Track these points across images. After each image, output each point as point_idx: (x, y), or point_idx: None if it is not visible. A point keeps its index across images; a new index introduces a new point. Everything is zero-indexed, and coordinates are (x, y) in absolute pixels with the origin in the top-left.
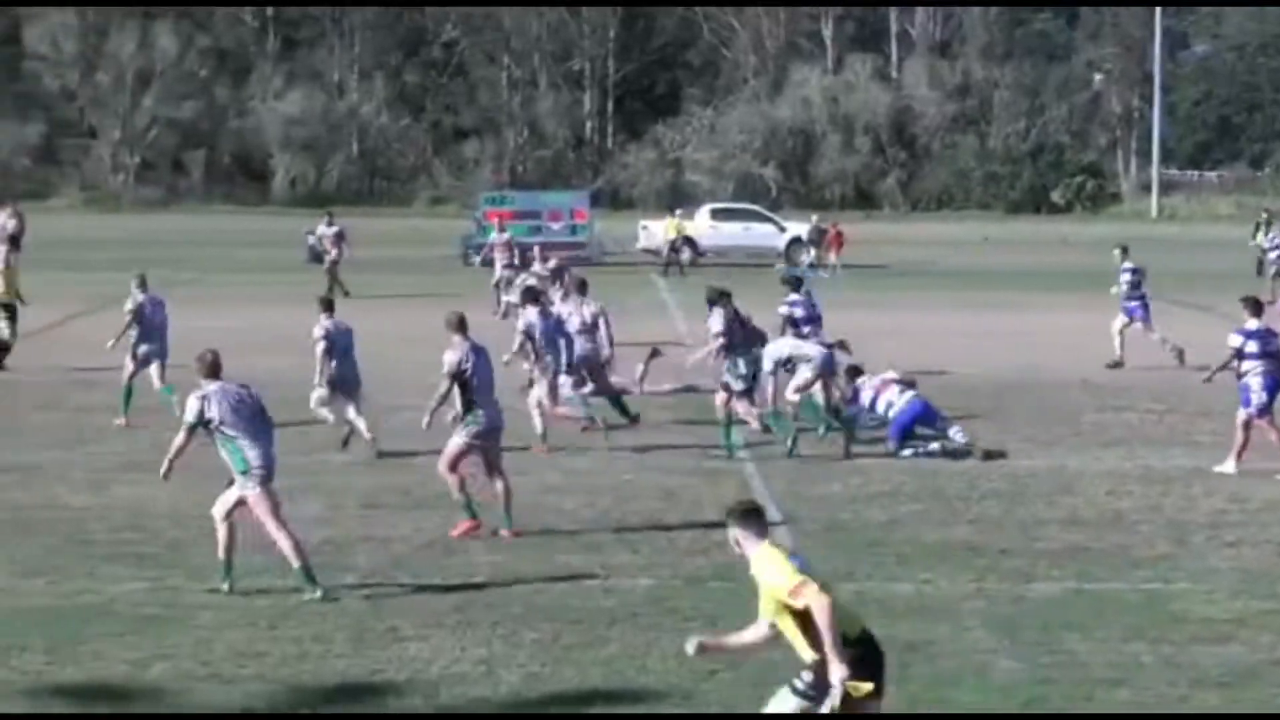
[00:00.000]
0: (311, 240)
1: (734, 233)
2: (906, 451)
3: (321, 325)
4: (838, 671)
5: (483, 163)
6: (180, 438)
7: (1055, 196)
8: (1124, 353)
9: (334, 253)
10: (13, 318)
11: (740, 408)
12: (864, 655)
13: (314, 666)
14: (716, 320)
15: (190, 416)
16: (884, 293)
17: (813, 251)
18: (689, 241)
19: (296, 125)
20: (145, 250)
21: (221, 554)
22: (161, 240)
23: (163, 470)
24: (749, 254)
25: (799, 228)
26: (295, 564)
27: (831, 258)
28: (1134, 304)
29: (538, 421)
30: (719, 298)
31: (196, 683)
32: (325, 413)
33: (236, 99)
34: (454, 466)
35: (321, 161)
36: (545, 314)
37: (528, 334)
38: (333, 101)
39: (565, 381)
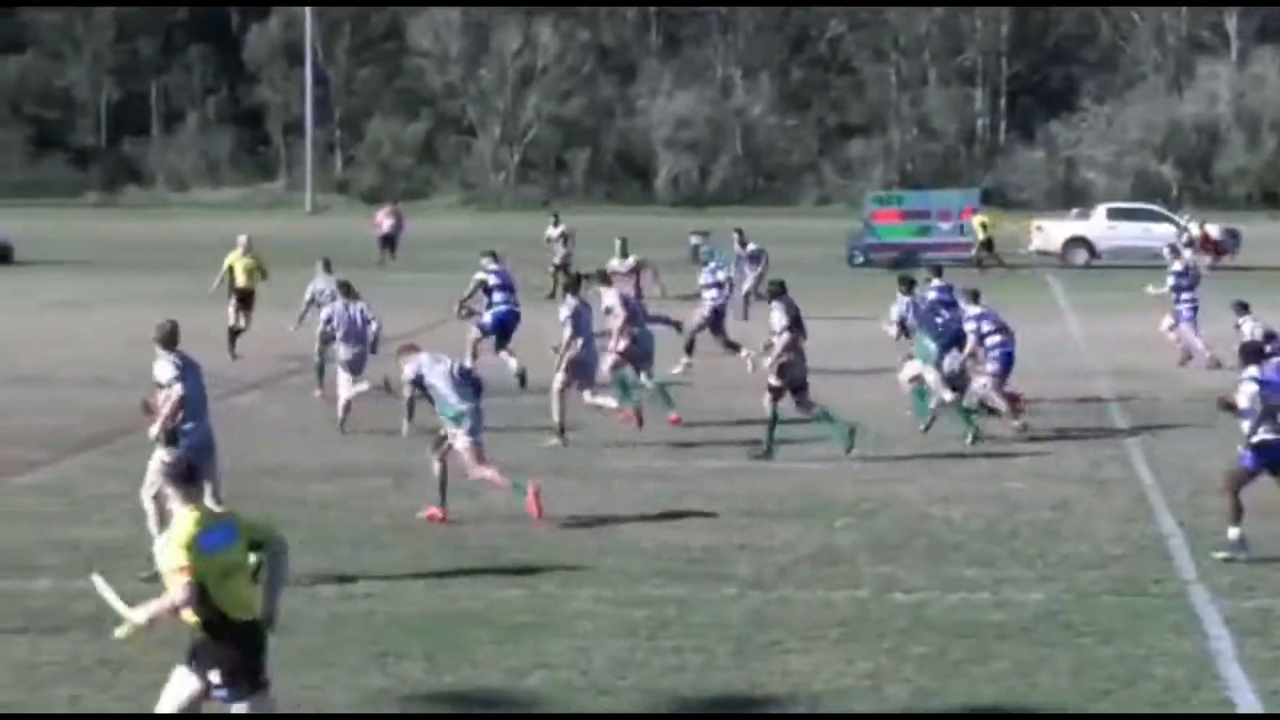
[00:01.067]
0: (696, 240)
1: (1133, 234)
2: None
3: (569, 305)
4: (140, 614)
5: (869, 161)
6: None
7: None
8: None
9: (562, 253)
10: (248, 306)
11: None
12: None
13: (694, 678)
14: (779, 316)
15: (169, 378)
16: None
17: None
18: (1083, 243)
19: (683, 126)
20: (523, 250)
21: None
22: (538, 241)
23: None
24: (1148, 256)
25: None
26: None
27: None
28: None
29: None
30: (781, 291)
31: (575, 693)
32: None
33: (622, 97)
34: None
35: (705, 161)
36: (587, 304)
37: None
38: (718, 100)
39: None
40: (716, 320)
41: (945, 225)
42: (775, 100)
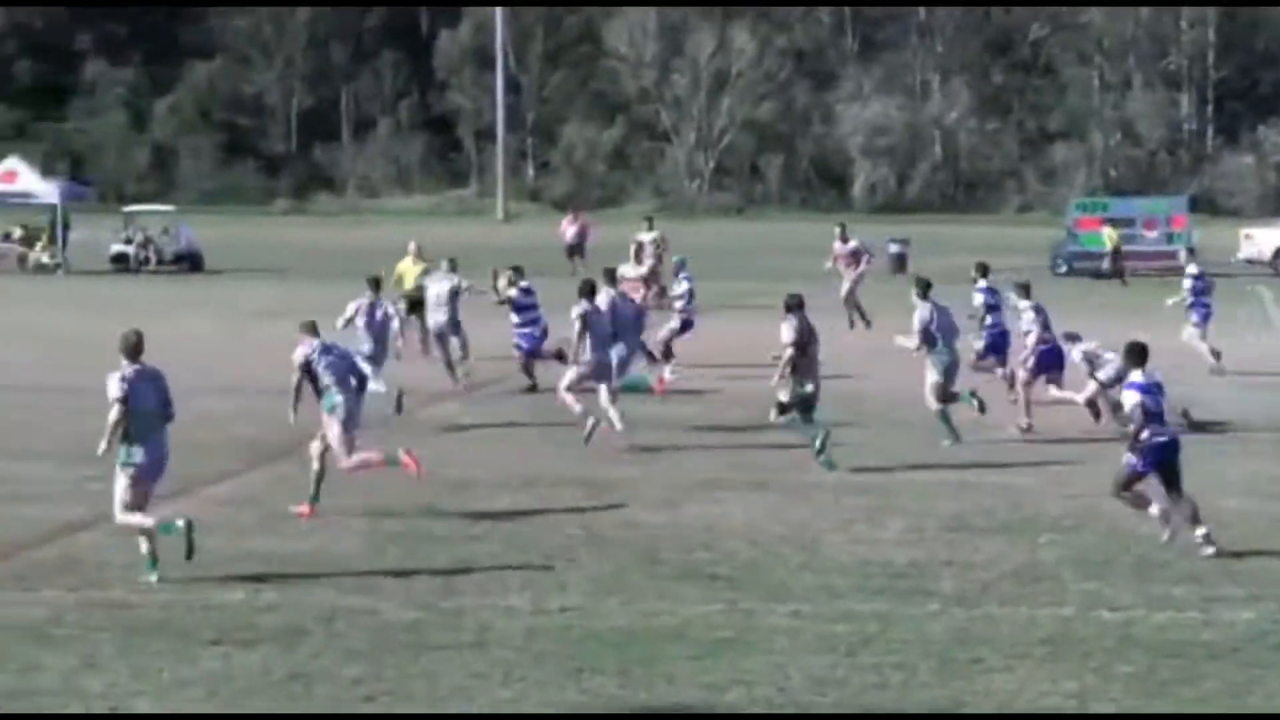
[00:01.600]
0: (895, 248)
1: None
2: None
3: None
4: None
5: (1071, 167)
6: (114, 414)
7: None
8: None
9: (650, 261)
10: (418, 313)
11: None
12: None
13: (896, 696)
14: (787, 330)
15: (113, 396)
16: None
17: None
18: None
19: (880, 132)
20: (720, 260)
21: (144, 548)
22: (733, 249)
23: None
24: None
25: None
26: (144, 549)
27: None
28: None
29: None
30: (796, 305)
31: (773, 710)
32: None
33: (817, 102)
34: None
35: (903, 167)
36: (599, 309)
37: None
38: (916, 105)
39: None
40: (683, 330)
41: (1151, 234)
42: (974, 105)
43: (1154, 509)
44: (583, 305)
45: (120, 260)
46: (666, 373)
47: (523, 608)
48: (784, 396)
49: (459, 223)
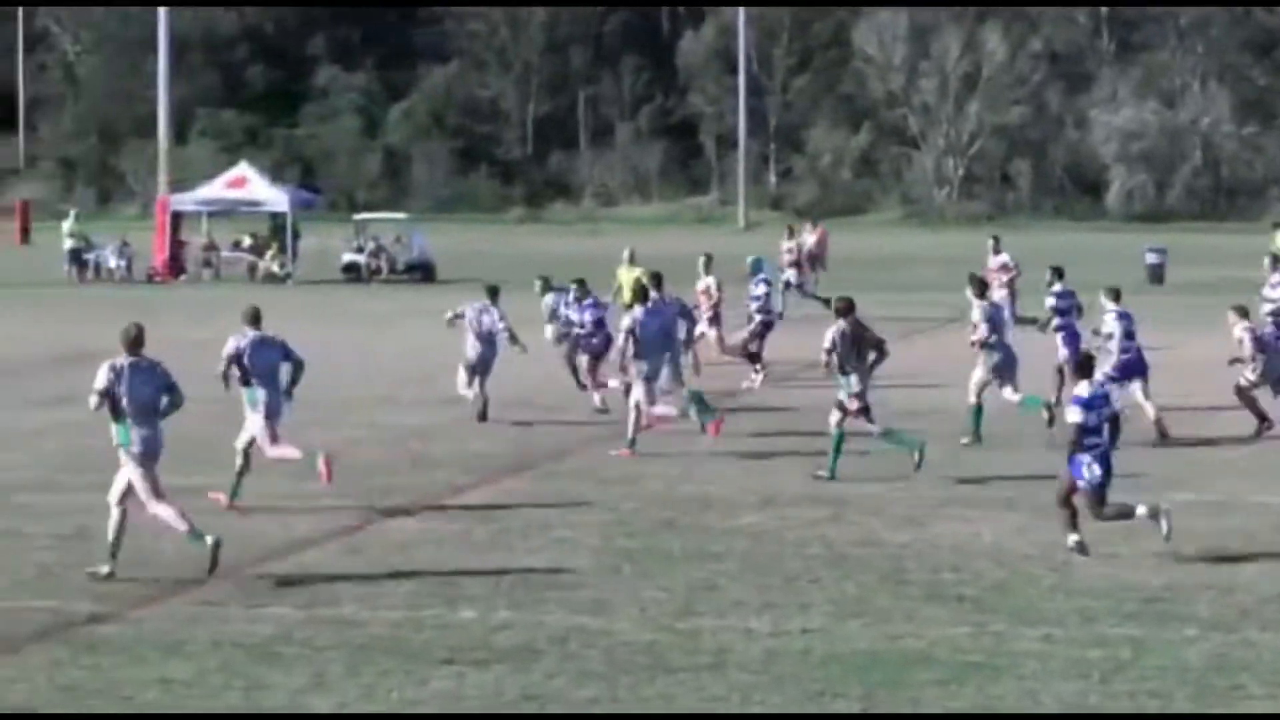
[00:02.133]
0: (1152, 258)
1: None
2: None
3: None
4: None
5: None
6: (91, 403)
7: None
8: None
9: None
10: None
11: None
12: None
13: None
14: (827, 335)
15: (96, 387)
16: None
17: None
18: None
19: (1135, 138)
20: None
21: (110, 537)
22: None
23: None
24: None
25: None
26: (182, 528)
27: None
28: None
29: (631, 424)
30: (846, 310)
31: None
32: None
33: (1070, 106)
34: None
35: (1161, 174)
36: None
37: (631, 332)
38: (1173, 109)
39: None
40: (764, 333)
41: None
42: (1234, 108)
43: (1141, 510)
44: (636, 312)
45: (351, 269)
46: (756, 379)
47: (762, 629)
48: (845, 400)
49: (698, 231)
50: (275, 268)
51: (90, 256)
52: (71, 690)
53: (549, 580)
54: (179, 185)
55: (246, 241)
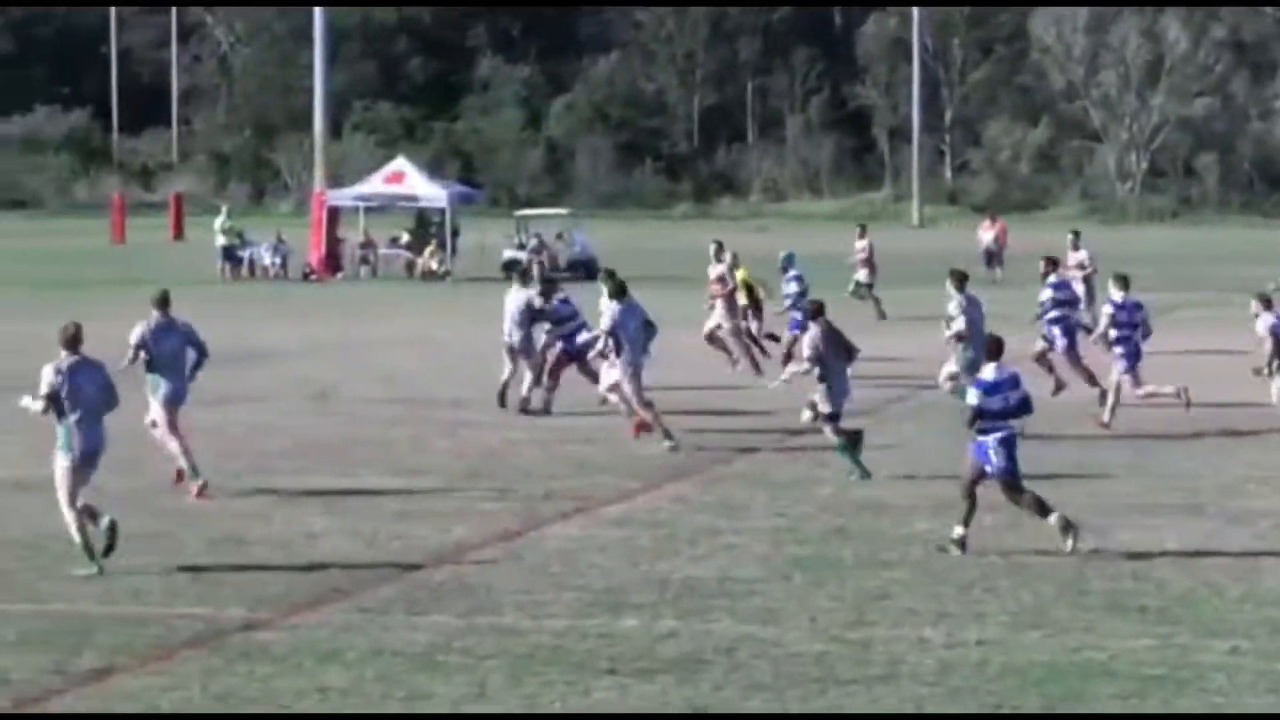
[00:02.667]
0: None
1: None
2: None
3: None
4: None
5: None
6: (37, 407)
7: None
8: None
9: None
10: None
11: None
12: None
13: None
14: (807, 341)
15: (45, 390)
16: None
17: None
18: None
19: None
20: (1146, 267)
21: (78, 539)
22: (1165, 256)
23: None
24: None
25: None
26: (103, 523)
27: None
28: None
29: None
30: (816, 313)
31: None
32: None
33: (1257, 97)
34: None
35: None
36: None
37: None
38: None
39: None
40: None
41: None
42: None
43: (1052, 518)
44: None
45: (512, 266)
46: (785, 375)
47: (936, 640)
48: (825, 407)
49: (871, 227)
50: (434, 265)
51: (244, 254)
52: (226, 698)
53: (716, 588)
54: (335, 180)
55: (405, 238)
